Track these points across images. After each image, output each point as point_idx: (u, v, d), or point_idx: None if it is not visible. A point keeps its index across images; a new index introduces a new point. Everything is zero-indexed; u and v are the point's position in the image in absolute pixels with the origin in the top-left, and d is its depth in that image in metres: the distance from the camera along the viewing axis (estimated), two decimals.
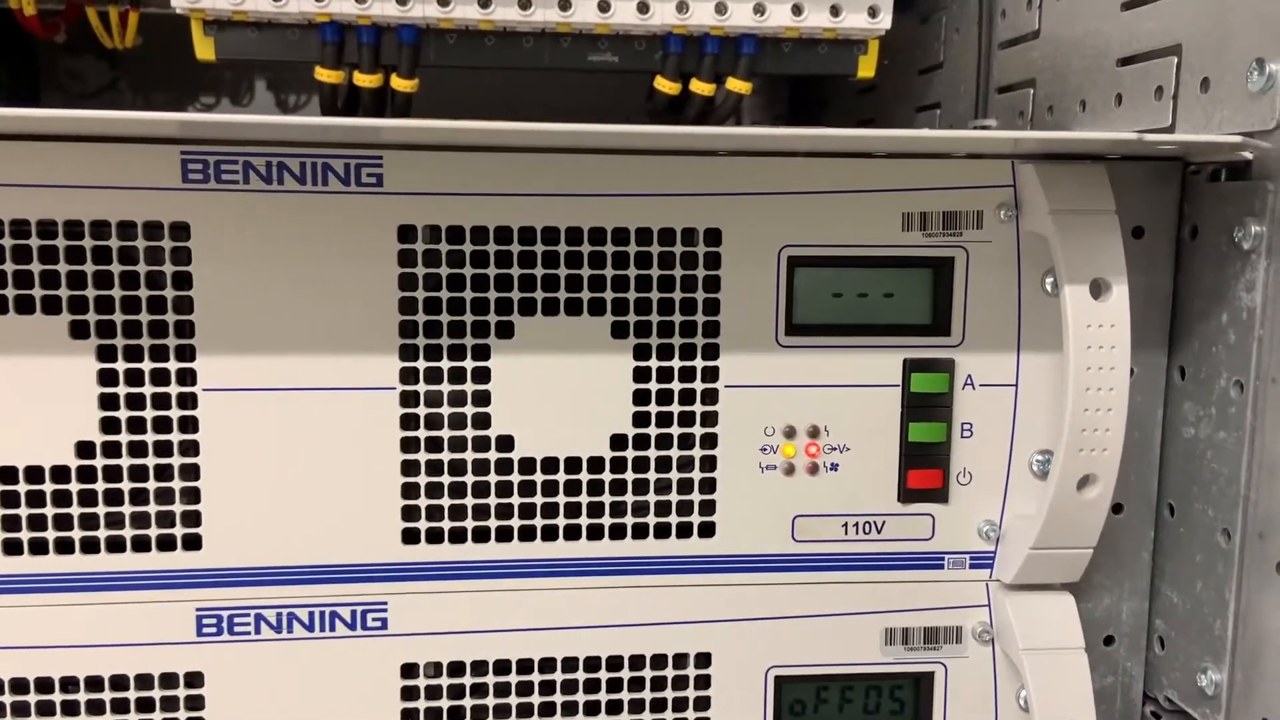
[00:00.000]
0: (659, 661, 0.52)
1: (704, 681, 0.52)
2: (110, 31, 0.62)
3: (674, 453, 0.50)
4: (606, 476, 0.50)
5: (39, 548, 0.48)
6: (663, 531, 0.51)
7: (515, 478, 0.50)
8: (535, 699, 0.51)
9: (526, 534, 0.50)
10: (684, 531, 0.51)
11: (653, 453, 0.50)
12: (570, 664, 0.51)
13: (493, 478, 0.49)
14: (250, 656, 0.49)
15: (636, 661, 0.52)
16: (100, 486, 0.47)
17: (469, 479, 0.49)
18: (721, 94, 0.56)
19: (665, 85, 0.55)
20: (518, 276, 0.48)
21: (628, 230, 0.49)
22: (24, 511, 0.47)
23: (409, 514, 0.49)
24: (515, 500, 0.50)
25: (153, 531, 0.48)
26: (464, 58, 0.54)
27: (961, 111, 0.66)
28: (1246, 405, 0.46)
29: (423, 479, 0.49)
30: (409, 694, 0.50)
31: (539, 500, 0.50)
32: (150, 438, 0.47)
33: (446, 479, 0.49)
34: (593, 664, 0.51)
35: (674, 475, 0.50)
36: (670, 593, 0.51)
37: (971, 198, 0.50)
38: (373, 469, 0.49)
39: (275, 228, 0.47)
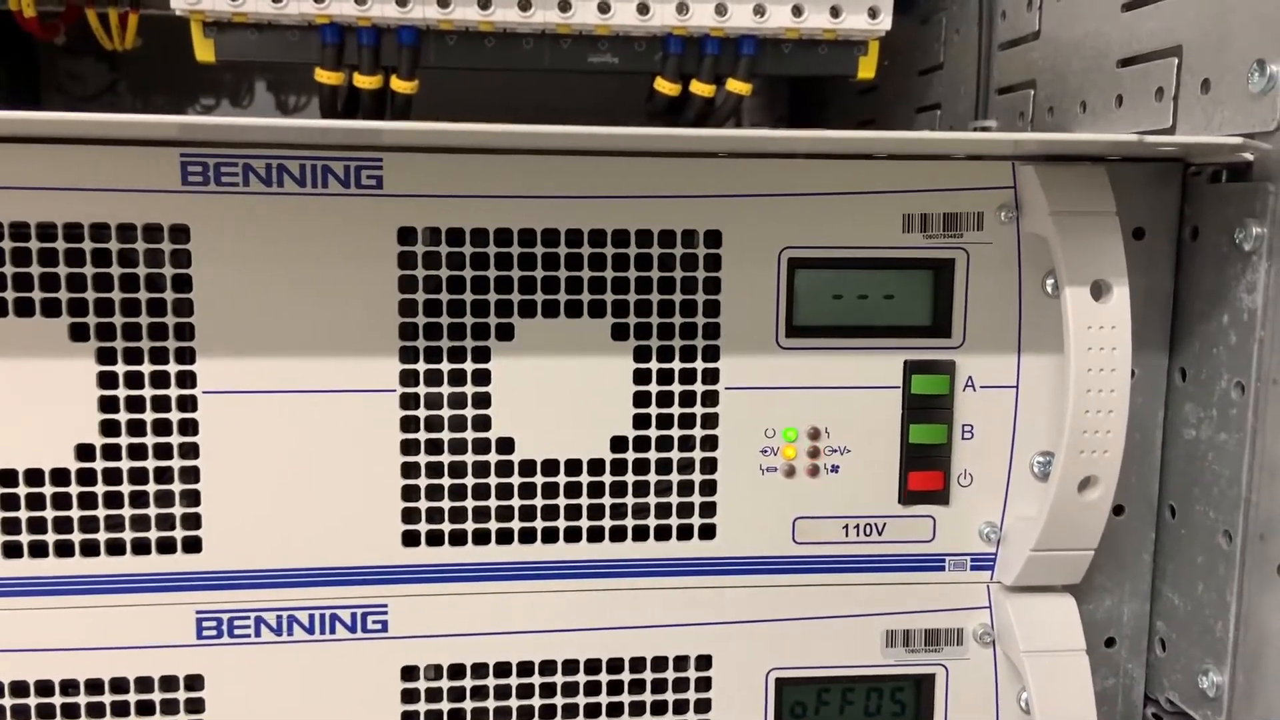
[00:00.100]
0: (660, 664, 0.52)
1: (705, 684, 0.52)
2: (110, 33, 0.62)
3: (674, 455, 0.50)
4: (607, 478, 0.50)
5: (39, 550, 0.48)
6: (663, 534, 0.51)
7: (515, 480, 0.50)
8: (536, 701, 0.51)
9: (527, 536, 0.50)
10: (685, 534, 0.51)
11: (653, 455, 0.50)
12: (571, 666, 0.51)
13: (493, 480, 0.49)
14: (250, 659, 0.49)
15: (637, 664, 0.52)
16: (100, 489, 0.47)
17: (469, 481, 0.49)
18: (721, 95, 0.56)
19: (665, 86, 0.55)
20: (518, 278, 0.48)
21: (628, 232, 0.49)
22: (24, 514, 0.47)
23: (409, 516, 0.49)
24: (516, 502, 0.50)
25: (153, 534, 0.48)
26: (464, 59, 0.54)
27: (962, 112, 0.66)
28: (1247, 407, 0.46)
29: (423, 481, 0.49)
30: (409, 696, 0.50)
31: (539, 502, 0.50)
32: (150, 440, 0.47)
33: (447, 481, 0.49)
34: (593, 666, 0.51)
35: (674, 477, 0.50)
36: (671, 595, 0.51)
37: (972, 199, 0.50)
38: (373, 471, 0.49)
39: (275, 230, 0.47)
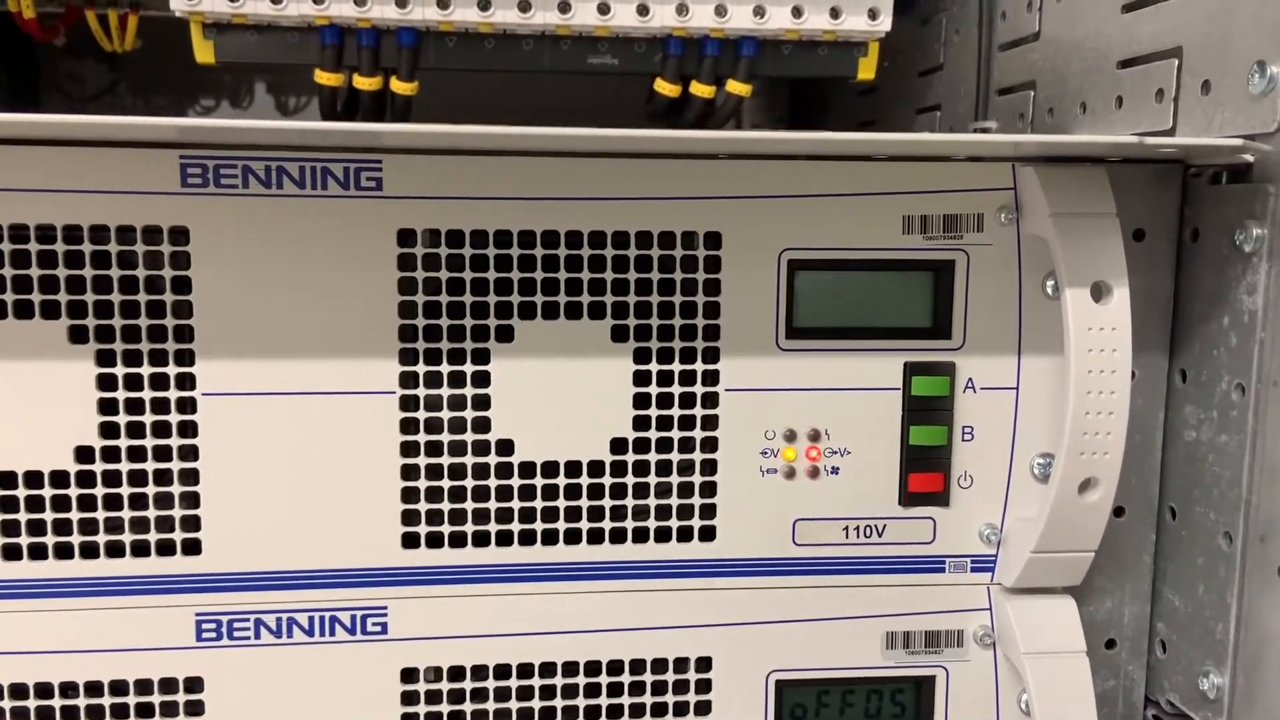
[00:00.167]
0: (659, 666, 0.52)
1: (705, 686, 0.52)
2: (110, 34, 0.62)
3: (674, 456, 0.50)
4: (606, 480, 0.50)
5: (38, 553, 0.47)
6: (663, 535, 0.51)
7: (515, 482, 0.49)
8: (536, 704, 0.51)
9: (527, 538, 0.50)
10: (684, 535, 0.51)
11: (653, 456, 0.50)
12: (571, 669, 0.51)
13: (493, 482, 0.49)
14: (250, 661, 0.49)
15: (637, 666, 0.51)
16: (99, 491, 0.47)
17: (469, 483, 0.49)
18: (721, 96, 0.56)
19: (665, 88, 0.55)
20: (517, 280, 0.48)
21: (628, 234, 0.49)
22: (23, 516, 0.47)
23: (409, 518, 0.49)
24: (515, 504, 0.50)
25: (152, 536, 0.48)
26: (463, 60, 0.54)
27: (962, 113, 0.66)
28: (1248, 408, 0.46)
29: (423, 483, 0.49)
30: (409, 699, 0.50)
31: (539, 504, 0.50)
32: (149, 442, 0.47)
33: (446, 483, 0.49)
34: (593, 668, 0.51)
35: (674, 479, 0.50)
36: (671, 597, 0.51)
37: (972, 200, 0.50)
38: (372, 473, 0.49)
39: (274, 232, 0.47)
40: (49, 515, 0.47)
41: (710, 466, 0.50)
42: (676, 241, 0.49)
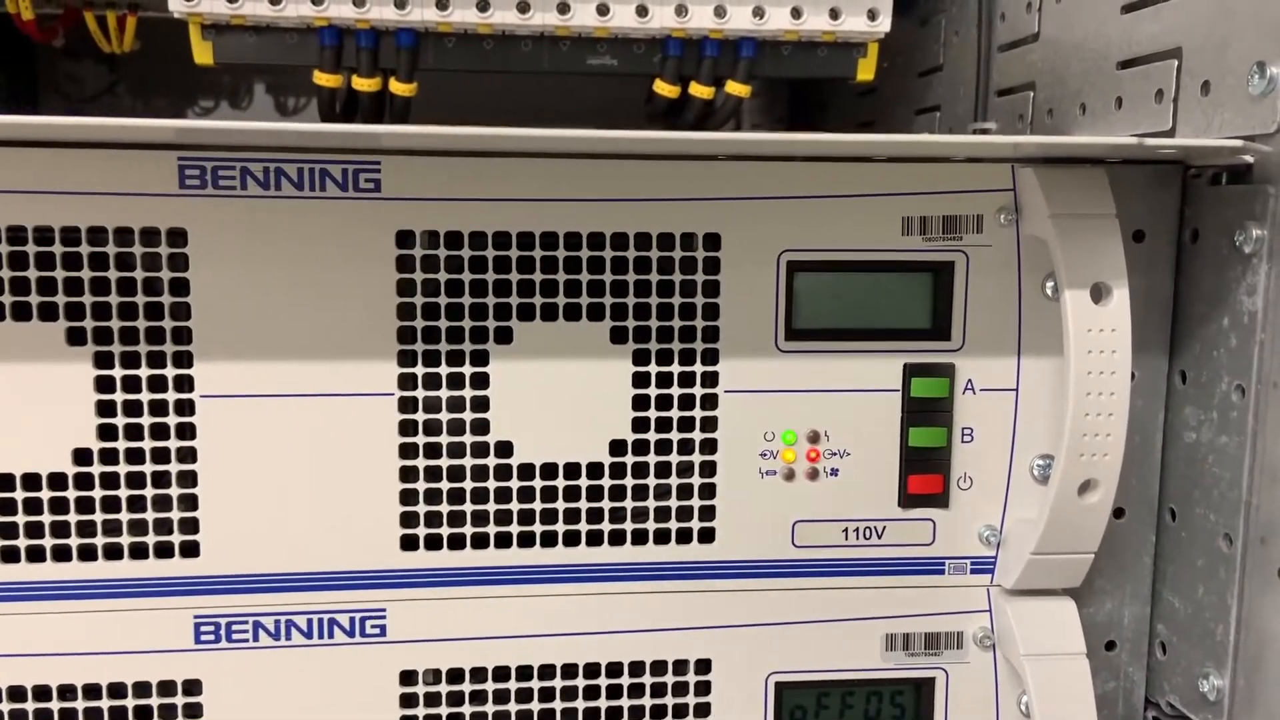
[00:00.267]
0: (659, 668, 0.52)
1: (704, 688, 0.52)
2: (108, 35, 0.62)
3: (673, 458, 0.50)
4: (606, 482, 0.50)
5: (36, 555, 0.47)
6: (662, 537, 0.51)
7: (514, 483, 0.49)
8: (535, 706, 0.51)
9: (526, 540, 0.50)
10: (684, 537, 0.51)
11: (652, 458, 0.50)
12: (570, 670, 0.51)
13: (492, 484, 0.49)
14: (248, 664, 0.49)
15: (636, 668, 0.51)
16: (97, 493, 0.47)
17: (468, 485, 0.49)
18: (721, 97, 0.56)
19: (664, 89, 0.55)
20: (516, 281, 0.48)
21: (627, 235, 0.48)
22: (21, 519, 0.47)
23: (408, 520, 0.49)
24: (514, 506, 0.50)
25: (150, 538, 0.48)
26: (463, 61, 0.54)
27: (961, 114, 0.66)
28: (1248, 409, 0.46)
29: (421, 485, 0.49)
30: (408, 701, 0.50)
31: (538, 506, 0.50)
32: (148, 444, 0.47)
33: (445, 485, 0.49)
34: (592, 670, 0.51)
35: (673, 481, 0.50)
36: (670, 598, 0.51)
37: (971, 202, 0.50)
38: (371, 475, 0.48)
39: (273, 233, 0.47)
40: (47, 517, 0.47)
41: (709, 468, 0.50)
42: (676, 243, 0.49)
